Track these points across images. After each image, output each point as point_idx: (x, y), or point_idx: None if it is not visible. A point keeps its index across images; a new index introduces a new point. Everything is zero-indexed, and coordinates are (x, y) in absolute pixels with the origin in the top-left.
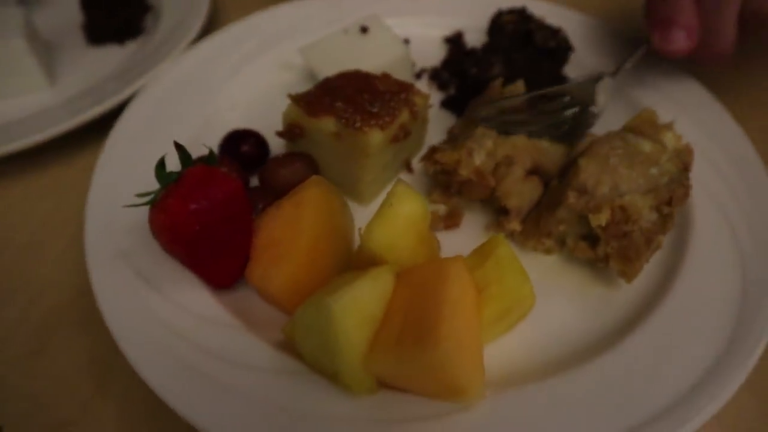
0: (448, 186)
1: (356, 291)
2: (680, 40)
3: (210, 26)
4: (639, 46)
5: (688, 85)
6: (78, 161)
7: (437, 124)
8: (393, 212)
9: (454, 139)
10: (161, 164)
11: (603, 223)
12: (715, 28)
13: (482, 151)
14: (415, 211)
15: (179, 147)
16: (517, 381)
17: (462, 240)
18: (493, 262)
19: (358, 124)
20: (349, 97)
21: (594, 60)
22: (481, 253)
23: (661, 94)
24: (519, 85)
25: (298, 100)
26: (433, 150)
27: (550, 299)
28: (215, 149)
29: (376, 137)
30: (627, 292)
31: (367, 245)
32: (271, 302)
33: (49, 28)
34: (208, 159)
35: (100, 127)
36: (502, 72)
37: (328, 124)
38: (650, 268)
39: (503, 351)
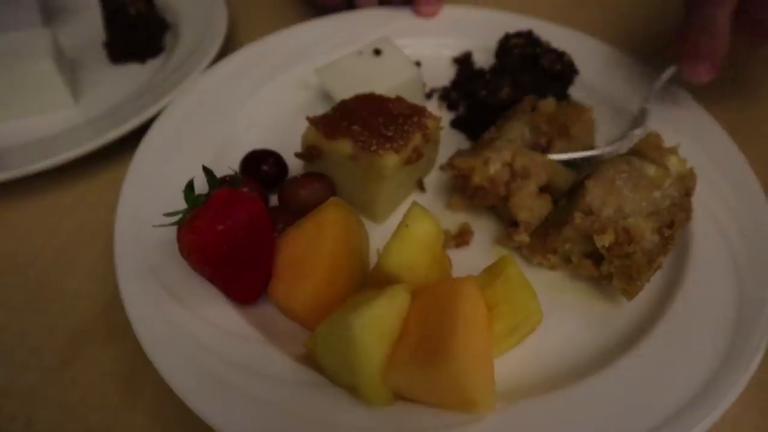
0: (465, 189)
1: (375, 309)
2: (705, 73)
3: (227, 44)
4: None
5: (694, 111)
6: (103, 177)
7: (448, 144)
8: (409, 233)
9: (478, 146)
10: (190, 187)
11: (607, 244)
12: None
13: (498, 162)
14: (430, 232)
15: (207, 171)
16: (524, 393)
17: (472, 258)
18: (503, 281)
19: (373, 147)
20: (364, 121)
21: (598, 81)
22: (492, 273)
23: (667, 119)
24: (550, 102)
25: (316, 123)
26: (455, 154)
27: (555, 314)
28: (235, 167)
29: (390, 160)
30: (629, 309)
31: (384, 265)
32: (292, 318)
33: (73, 47)
34: (233, 181)
35: (124, 144)
36: (510, 95)
37: (345, 146)
38: (651, 286)
39: (513, 364)
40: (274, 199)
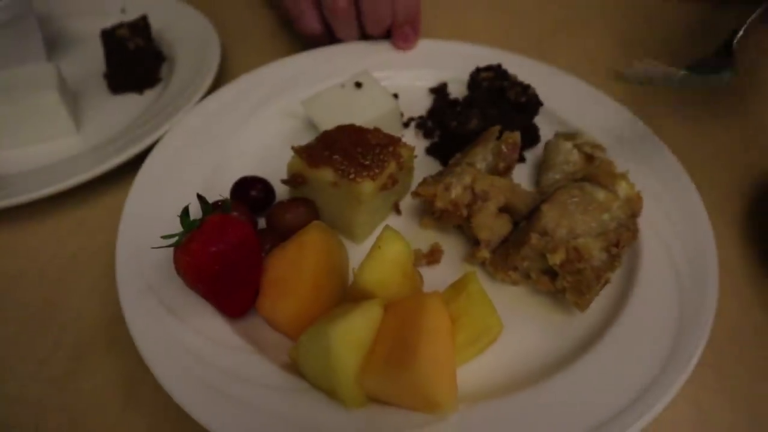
0: (432, 212)
1: (350, 321)
2: None
3: (222, 73)
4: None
5: (647, 137)
6: (103, 202)
7: (423, 169)
8: (381, 254)
9: (444, 171)
10: (186, 213)
11: (558, 261)
12: None
13: (459, 186)
14: (400, 252)
15: (201, 198)
16: (486, 396)
17: (442, 274)
18: (465, 297)
19: (352, 175)
20: (344, 150)
21: (564, 112)
22: (456, 288)
23: (622, 144)
24: (515, 134)
25: (300, 152)
26: (421, 182)
27: (517, 325)
28: (227, 193)
29: (367, 187)
30: (582, 319)
31: (359, 282)
32: (278, 330)
33: (75, 78)
34: (224, 207)
35: (124, 170)
36: (478, 125)
37: (326, 174)
38: (603, 299)
39: (476, 370)
40: (262, 222)
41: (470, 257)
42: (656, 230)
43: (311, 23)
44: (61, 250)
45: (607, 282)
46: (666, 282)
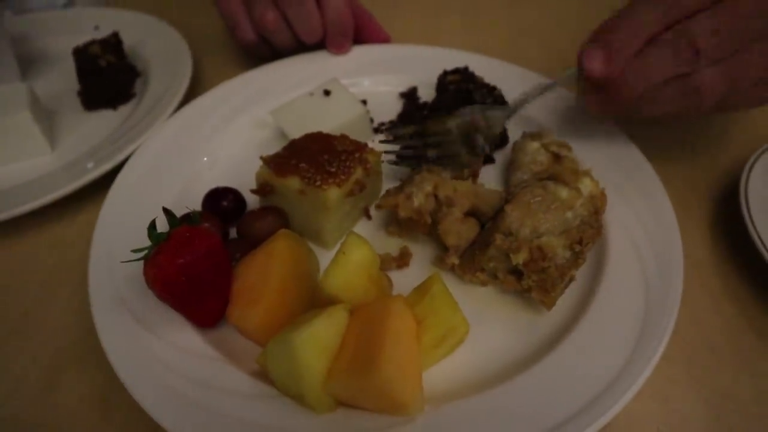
0: (398, 222)
1: (314, 327)
2: (598, 61)
3: (194, 88)
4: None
5: (612, 133)
6: (79, 217)
7: (393, 174)
8: (345, 259)
9: (402, 184)
10: (152, 226)
11: (521, 261)
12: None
13: (421, 194)
14: (365, 257)
15: (167, 212)
16: (454, 396)
17: (411, 277)
18: (429, 299)
19: (318, 183)
20: (311, 158)
21: (533, 112)
22: (420, 291)
23: (589, 141)
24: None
25: (268, 161)
26: (385, 194)
27: (485, 325)
28: (198, 205)
29: (333, 193)
30: (550, 317)
31: (324, 288)
32: (248, 337)
33: (49, 96)
34: (191, 219)
35: (98, 186)
36: None
37: (293, 182)
38: (570, 296)
39: (445, 371)
40: (234, 232)
41: (439, 262)
42: (622, 225)
43: (246, 34)
44: (38, 266)
45: (572, 279)
46: (632, 277)
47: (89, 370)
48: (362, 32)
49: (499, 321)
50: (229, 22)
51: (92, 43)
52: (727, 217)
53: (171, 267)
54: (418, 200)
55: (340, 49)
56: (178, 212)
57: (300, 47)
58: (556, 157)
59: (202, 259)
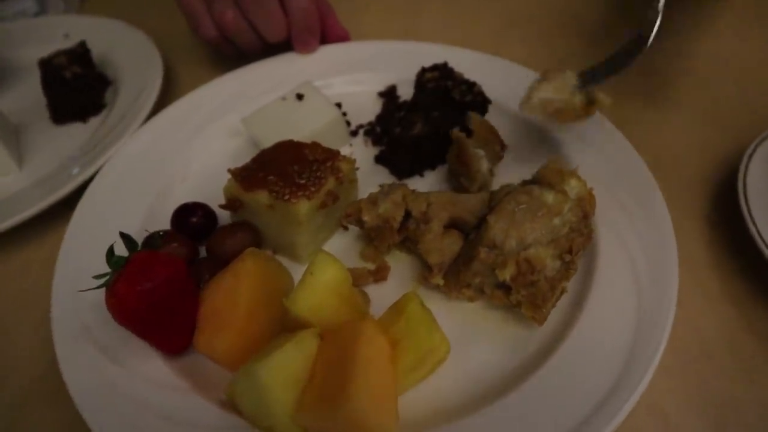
0: (368, 237)
1: (281, 356)
2: None
3: (167, 95)
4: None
5: (600, 125)
6: (49, 237)
7: (372, 179)
8: (314, 279)
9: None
10: (110, 252)
11: (508, 277)
12: None
13: (387, 201)
14: (334, 277)
15: (124, 236)
16: (436, 420)
17: (391, 291)
18: (405, 319)
19: (287, 197)
20: (280, 169)
21: (513, 101)
22: (395, 311)
23: (577, 134)
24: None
25: (236, 175)
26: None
27: (471, 340)
28: (168, 221)
29: (303, 207)
30: (538, 330)
31: (292, 311)
32: (218, 364)
33: (17, 110)
34: (152, 243)
35: (70, 202)
36: (422, 130)
37: (262, 197)
38: (558, 305)
39: (425, 393)
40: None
41: (423, 281)
42: (612, 227)
43: (208, 32)
44: (6, 292)
45: (563, 292)
46: (624, 283)
47: (56, 403)
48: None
49: (485, 336)
50: (190, 19)
51: (58, 54)
52: (725, 211)
53: (130, 295)
54: (383, 206)
55: (306, 47)
56: (150, 230)
57: (266, 45)
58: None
59: (164, 286)
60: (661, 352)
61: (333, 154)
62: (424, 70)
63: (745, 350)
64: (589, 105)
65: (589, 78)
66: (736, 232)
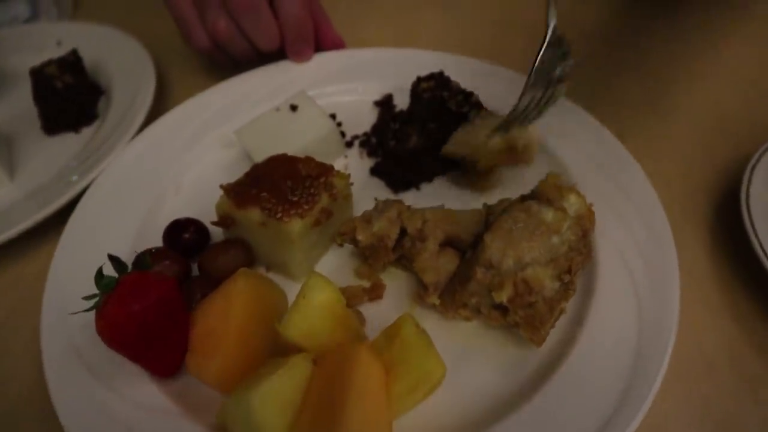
0: (363, 255)
1: (273, 383)
2: None
3: (161, 102)
4: None
5: (604, 138)
6: (42, 251)
7: (367, 191)
8: (306, 303)
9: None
10: (99, 274)
11: (505, 299)
12: None
13: (382, 219)
14: (328, 298)
15: (113, 258)
16: None
17: (387, 310)
18: (399, 344)
19: (279, 215)
20: (273, 186)
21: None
22: (389, 335)
23: (576, 146)
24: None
25: (228, 191)
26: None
27: (468, 361)
28: (161, 236)
29: (296, 225)
30: (537, 350)
31: (285, 336)
32: (210, 386)
33: (9, 120)
34: (142, 264)
35: (63, 215)
36: (417, 143)
37: (254, 214)
38: (557, 324)
39: (422, 416)
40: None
41: (418, 299)
42: (612, 242)
43: (200, 42)
44: None
45: (561, 312)
46: (624, 301)
47: (44, 425)
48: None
49: (483, 356)
50: (182, 29)
51: (49, 63)
52: (728, 221)
53: (119, 318)
54: (378, 224)
55: (301, 56)
56: (141, 247)
57: (260, 53)
58: (510, 148)
59: (154, 308)
60: (663, 374)
61: (326, 170)
62: (419, 80)
63: (748, 366)
64: (510, 147)
65: (510, 118)
66: (740, 243)
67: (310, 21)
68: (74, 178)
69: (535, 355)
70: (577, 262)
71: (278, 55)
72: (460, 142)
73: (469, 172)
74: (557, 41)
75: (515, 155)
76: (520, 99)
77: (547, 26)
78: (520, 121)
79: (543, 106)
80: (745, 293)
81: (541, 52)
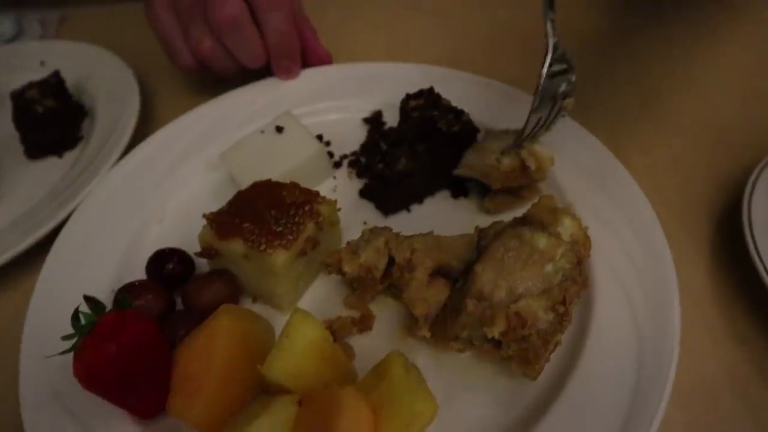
0: (351, 286)
1: (256, 428)
2: None
3: (146, 120)
4: None
5: (601, 155)
6: (22, 284)
7: (357, 214)
8: (290, 343)
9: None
10: (75, 316)
11: (497, 334)
12: None
13: (369, 249)
14: (313, 336)
15: (89, 299)
16: None
17: (377, 342)
18: (387, 384)
19: (262, 247)
20: (256, 215)
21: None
22: (377, 374)
23: (575, 165)
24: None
25: (211, 221)
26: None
27: (463, 396)
28: (144, 268)
29: (280, 257)
30: (535, 382)
31: (268, 377)
32: (193, 429)
33: None
34: (121, 303)
35: (47, 242)
36: (406, 166)
37: (237, 246)
38: (555, 355)
39: None
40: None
41: (409, 332)
42: (608, 265)
43: (185, 61)
44: None
45: (557, 345)
46: (622, 331)
47: None
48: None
49: (476, 389)
50: (166, 49)
51: (30, 86)
52: (730, 239)
53: (96, 361)
54: (365, 255)
55: (287, 73)
56: (125, 279)
57: (246, 70)
58: (523, 167)
59: (132, 349)
60: (665, 405)
61: (311, 196)
62: (408, 98)
63: (752, 396)
64: (524, 167)
65: (519, 140)
66: (741, 260)
67: (297, 37)
68: (50, 211)
69: (531, 388)
70: (572, 291)
71: (265, 70)
72: (472, 165)
73: (482, 194)
74: (560, 57)
75: (529, 174)
76: (527, 120)
77: (547, 44)
78: (530, 139)
79: (550, 122)
80: (747, 315)
81: (544, 73)
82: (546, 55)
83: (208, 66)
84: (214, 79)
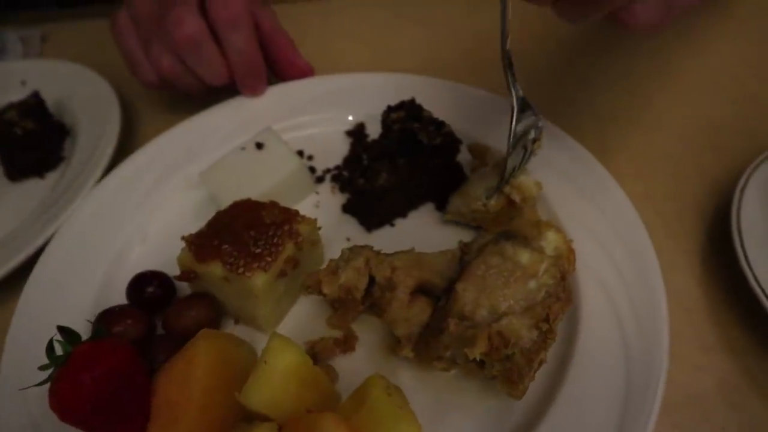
0: (333, 307)
1: None
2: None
3: (128, 138)
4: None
5: (585, 162)
6: (3, 311)
7: (340, 229)
8: (269, 369)
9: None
10: (50, 347)
11: (478, 355)
12: None
13: (349, 269)
14: (292, 361)
15: (63, 330)
16: None
17: (360, 362)
18: (367, 409)
19: (241, 270)
20: (235, 237)
21: (479, 130)
22: (357, 399)
23: (561, 174)
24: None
25: (190, 243)
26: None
27: (447, 417)
28: (124, 291)
29: (259, 279)
30: (521, 401)
31: (246, 405)
32: None
33: None
34: (98, 332)
35: (28, 266)
36: (387, 180)
37: (216, 269)
38: (541, 373)
39: None
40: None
41: (392, 352)
42: (594, 276)
43: (147, 77)
44: None
45: (542, 362)
46: (609, 346)
47: None
48: (275, 65)
49: (461, 409)
50: (128, 64)
51: (9, 107)
52: (719, 245)
53: (72, 396)
54: (345, 275)
55: (252, 90)
56: (106, 303)
57: (212, 88)
58: (510, 202)
59: (108, 379)
60: (654, 421)
61: (291, 216)
62: (389, 110)
63: (745, 410)
64: (510, 202)
65: (500, 185)
66: (731, 268)
67: (258, 54)
68: (32, 234)
69: (518, 407)
70: (555, 308)
71: (233, 87)
72: (459, 211)
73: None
74: (524, 107)
75: (517, 206)
76: (504, 169)
77: (512, 101)
78: (510, 179)
79: (524, 164)
80: (738, 323)
81: (513, 128)
82: (512, 112)
83: (170, 83)
84: (183, 94)
